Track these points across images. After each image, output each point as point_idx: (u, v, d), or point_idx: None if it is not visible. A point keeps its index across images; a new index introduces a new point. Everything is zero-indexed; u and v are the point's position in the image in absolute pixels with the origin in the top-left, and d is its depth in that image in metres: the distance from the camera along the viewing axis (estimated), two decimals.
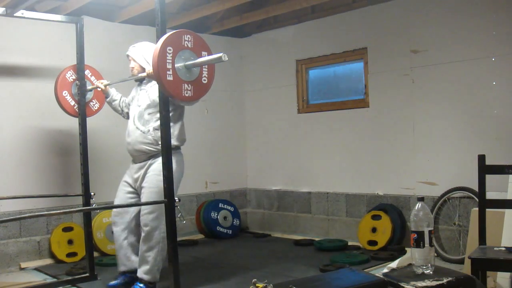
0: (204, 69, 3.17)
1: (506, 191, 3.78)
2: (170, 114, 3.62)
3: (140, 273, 3.60)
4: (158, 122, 3.58)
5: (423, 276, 2.36)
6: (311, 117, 5.65)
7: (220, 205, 5.75)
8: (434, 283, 2.27)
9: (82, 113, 4.16)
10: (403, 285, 2.26)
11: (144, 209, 3.59)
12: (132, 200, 3.77)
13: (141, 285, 3.59)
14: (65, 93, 4.18)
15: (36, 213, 3.23)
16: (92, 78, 4.26)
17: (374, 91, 5.08)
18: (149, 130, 3.66)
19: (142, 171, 3.70)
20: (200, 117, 5.88)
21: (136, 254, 3.74)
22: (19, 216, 3.24)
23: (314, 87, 5.77)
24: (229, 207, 5.80)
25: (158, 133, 3.57)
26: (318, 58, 5.57)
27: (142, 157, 3.71)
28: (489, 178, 3.07)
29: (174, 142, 3.63)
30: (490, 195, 3.51)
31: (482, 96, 4.36)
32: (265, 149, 6.11)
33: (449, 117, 4.56)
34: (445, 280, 2.30)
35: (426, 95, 4.70)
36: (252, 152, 6.27)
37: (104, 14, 5.10)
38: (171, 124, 3.62)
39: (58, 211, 3.10)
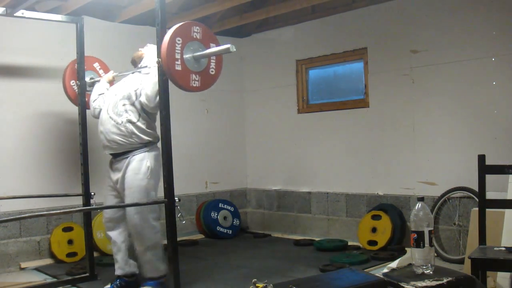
0: (212, 60, 3.22)
1: (506, 191, 3.78)
2: (146, 113, 3.63)
3: (145, 273, 3.61)
4: (132, 116, 3.59)
5: (423, 276, 2.35)
6: (311, 117, 5.65)
7: (220, 205, 5.75)
8: (434, 283, 2.27)
9: (83, 113, 4.16)
10: (403, 285, 2.26)
11: (129, 210, 3.54)
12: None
13: (152, 282, 3.59)
14: (72, 82, 4.23)
15: (36, 213, 3.23)
16: (101, 72, 4.30)
17: (374, 91, 5.08)
18: (122, 122, 3.59)
19: (121, 174, 3.65)
20: (200, 117, 5.88)
21: (133, 257, 3.73)
22: (19, 216, 3.24)
23: (314, 87, 5.77)
24: (229, 207, 5.80)
25: (131, 126, 3.58)
26: (318, 58, 5.57)
27: (114, 147, 3.65)
28: (489, 178, 3.07)
29: (150, 138, 3.65)
30: (490, 195, 3.51)
31: (482, 96, 4.36)
32: (265, 149, 6.11)
33: (449, 117, 4.56)
34: (445, 280, 2.29)
35: (426, 95, 4.70)
36: (252, 152, 6.27)
37: (104, 14, 5.10)
38: (147, 121, 3.63)
39: (58, 211, 3.10)
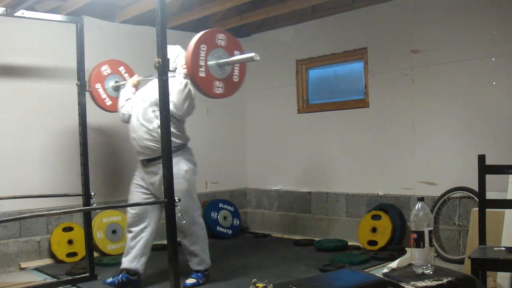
0: (235, 67, 3.30)
1: (506, 191, 3.78)
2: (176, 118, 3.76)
3: (194, 266, 3.86)
4: None
5: (423, 276, 2.36)
6: (311, 117, 5.65)
7: (220, 205, 5.75)
8: (434, 283, 2.27)
9: (83, 113, 4.16)
10: (403, 285, 2.26)
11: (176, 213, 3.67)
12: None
13: (199, 274, 3.84)
14: (98, 85, 4.30)
15: (36, 213, 3.23)
16: (126, 75, 4.40)
17: (374, 91, 5.08)
18: (154, 128, 3.69)
19: (158, 177, 3.73)
20: (200, 117, 5.87)
21: (145, 257, 3.83)
22: (19, 216, 3.25)
23: (314, 87, 5.77)
24: (229, 207, 5.80)
25: None
26: (318, 58, 5.57)
27: (148, 153, 3.75)
28: (489, 178, 3.07)
29: (181, 140, 3.83)
30: (490, 195, 3.51)
31: (482, 96, 4.36)
32: (265, 149, 6.10)
33: (449, 117, 4.56)
34: (445, 280, 2.29)
35: (426, 95, 4.70)
36: (252, 152, 6.27)
37: (104, 14, 5.10)
38: (177, 125, 3.76)
39: (58, 211, 3.11)
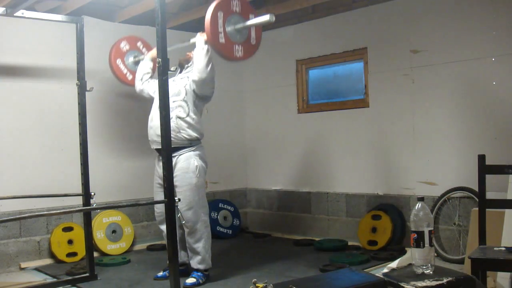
0: (252, 31, 3.50)
1: (506, 191, 3.78)
2: (196, 107, 3.88)
3: (195, 264, 3.87)
4: (182, 111, 3.80)
5: (423, 276, 2.36)
6: (311, 117, 5.65)
7: (220, 205, 5.75)
8: (434, 283, 2.27)
9: (83, 112, 4.16)
10: (403, 285, 2.26)
11: (182, 207, 3.71)
12: None
13: (199, 273, 3.85)
14: (118, 61, 4.50)
15: (36, 213, 3.23)
16: (144, 50, 4.59)
17: (374, 91, 5.08)
18: (172, 118, 3.71)
19: None
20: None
21: (184, 249, 3.93)
22: (19, 216, 3.25)
23: (314, 87, 5.76)
24: (229, 207, 5.80)
25: (180, 121, 3.77)
26: (318, 58, 5.57)
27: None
28: (489, 178, 3.07)
29: (197, 134, 3.87)
30: (490, 195, 3.51)
31: (482, 96, 4.36)
32: (265, 149, 6.10)
33: (449, 117, 4.56)
34: (445, 280, 2.30)
35: (426, 95, 4.70)
36: (252, 152, 6.26)
37: (104, 14, 5.10)
38: (196, 117, 3.85)
39: (58, 211, 3.11)
